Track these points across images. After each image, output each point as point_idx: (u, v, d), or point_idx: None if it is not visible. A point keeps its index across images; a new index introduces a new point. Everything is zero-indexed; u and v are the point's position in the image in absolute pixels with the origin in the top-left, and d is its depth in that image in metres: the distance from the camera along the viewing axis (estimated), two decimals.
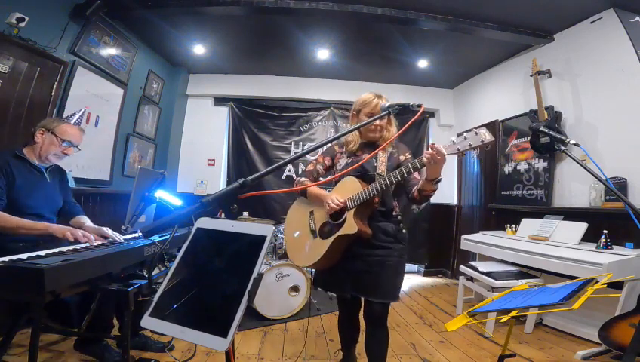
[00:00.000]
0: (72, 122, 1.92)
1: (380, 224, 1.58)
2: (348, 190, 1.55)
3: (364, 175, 1.60)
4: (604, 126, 2.88)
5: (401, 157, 1.68)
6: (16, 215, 1.62)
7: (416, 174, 1.54)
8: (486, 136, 1.26)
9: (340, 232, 1.51)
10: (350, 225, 1.49)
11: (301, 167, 4.59)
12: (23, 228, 1.59)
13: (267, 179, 4.47)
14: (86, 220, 1.94)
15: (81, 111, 2.01)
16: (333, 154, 1.78)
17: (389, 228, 1.59)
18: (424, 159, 1.35)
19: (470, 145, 1.28)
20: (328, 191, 1.69)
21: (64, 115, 1.90)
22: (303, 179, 1.74)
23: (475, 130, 1.28)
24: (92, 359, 1.91)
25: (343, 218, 1.53)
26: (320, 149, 1.74)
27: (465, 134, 1.31)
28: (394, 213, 1.63)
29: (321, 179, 1.78)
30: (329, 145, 1.82)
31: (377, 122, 1.61)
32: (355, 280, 1.56)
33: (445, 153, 1.32)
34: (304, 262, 1.67)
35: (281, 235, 3.35)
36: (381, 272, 1.54)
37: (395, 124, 1.72)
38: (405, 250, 1.63)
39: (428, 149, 1.35)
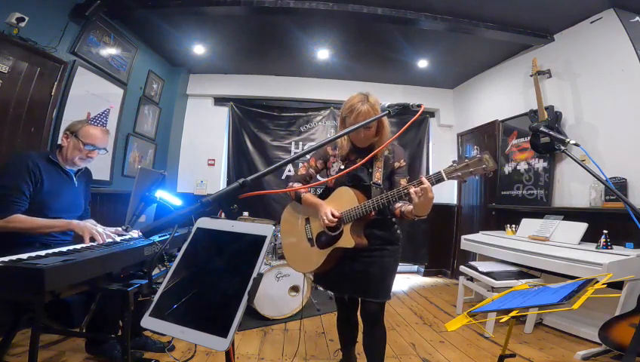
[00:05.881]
0: (97, 123, 1.90)
1: (374, 230, 1.60)
2: (343, 202, 1.55)
3: (360, 184, 1.59)
4: (604, 126, 2.88)
5: (396, 164, 1.64)
6: (40, 218, 1.64)
7: (403, 181, 1.57)
8: (489, 163, 1.24)
9: (337, 245, 1.54)
10: (347, 240, 1.51)
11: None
12: (43, 227, 1.62)
13: (267, 179, 4.47)
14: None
15: (106, 111, 1.99)
16: (326, 158, 1.73)
17: (384, 233, 1.62)
18: (411, 193, 1.32)
19: (471, 171, 1.27)
20: (321, 193, 1.70)
21: (91, 116, 1.82)
22: (295, 184, 1.70)
23: (478, 155, 1.26)
24: (95, 359, 1.92)
25: (340, 231, 1.54)
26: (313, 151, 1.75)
27: (467, 160, 1.29)
28: (388, 217, 1.64)
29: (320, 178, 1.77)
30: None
31: (362, 133, 1.55)
32: (351, 281, 1.60)
33: (446, 179, 1.31)
34: (303, 268, 1.72)
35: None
36: (377, 273, 1.57)
37: (387, 125, 1.61)
38: (399, 250, 1.67)
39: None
